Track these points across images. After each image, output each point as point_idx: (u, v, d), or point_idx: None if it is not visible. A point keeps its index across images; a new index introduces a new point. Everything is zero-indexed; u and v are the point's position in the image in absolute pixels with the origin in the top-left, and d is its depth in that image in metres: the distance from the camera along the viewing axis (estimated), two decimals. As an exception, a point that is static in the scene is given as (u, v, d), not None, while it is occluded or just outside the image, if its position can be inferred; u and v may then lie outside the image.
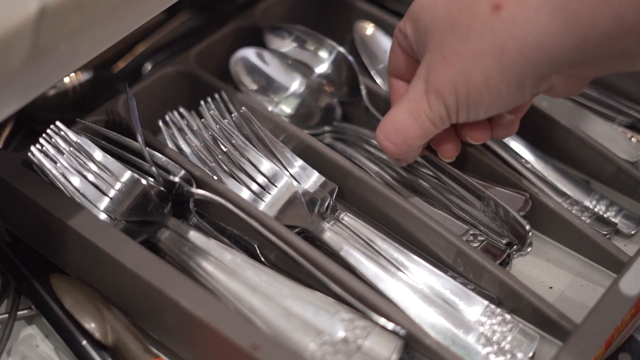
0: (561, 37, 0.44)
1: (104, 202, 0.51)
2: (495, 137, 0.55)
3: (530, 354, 0.49)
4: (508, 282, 0.51)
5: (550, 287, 0.55)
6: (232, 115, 0.56)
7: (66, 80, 0.63)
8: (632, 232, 0.58)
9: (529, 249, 0.56)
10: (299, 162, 0.56)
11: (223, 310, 0.46)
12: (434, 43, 0.49)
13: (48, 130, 0.52)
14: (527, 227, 0.51)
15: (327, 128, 0.62)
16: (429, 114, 0.50)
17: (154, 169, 0.52)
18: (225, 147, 0.54)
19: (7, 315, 0.51)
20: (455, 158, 0.56)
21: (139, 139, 0.53)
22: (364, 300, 0.48)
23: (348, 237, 0.53)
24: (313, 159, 0.57)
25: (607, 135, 0.63)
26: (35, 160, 0.51)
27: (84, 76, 0.64)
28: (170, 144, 0.58)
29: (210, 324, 0.45)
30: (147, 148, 0.53)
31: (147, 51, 0.69)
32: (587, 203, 0.59)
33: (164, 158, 0.53)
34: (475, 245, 0.55)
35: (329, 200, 0.55)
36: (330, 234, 0.52)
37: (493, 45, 0.46)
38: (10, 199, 0.52)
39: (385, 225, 0.57)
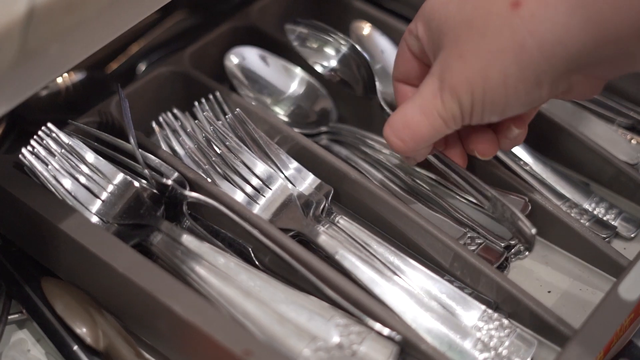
0: (581, 34, 0.44)
1: (96, 205, 0.50)
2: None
3: (528, 360, 0.48)
4: (505, 286, 0.51)
5: (549, 291, 0.54)
6: (227, 116, 0.56)
7: (59, 80, 0.63)
8: (632, 235, 0.57)
9: (527, 253, 0.56)
10: (294, 164, 0.55)
11: (216, 316, 0.45)
12: (448, 41, 0.48)
13: (39, 132, 0.51)
14: (534, 231, 0.50)
15: (323, 129, 0.61)
16: (442, 111, 0.49)
17: (146, 171, 0.52)
18: (219, 149, 0.54)
19: (-3, 320, 0.51)
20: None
21: (132, 140, 0.52)
22: (359, 305, 0.48)
23: (343, 240, 0.52)
24: (308, 161, 0.56)
25: (607, 136, 0.62)
26: (27, 162, 0.51)
27: (76, 77, 0.64)
28: (163, 146, 0.57)
29: (203, 329, 0.45)
30: (139, 150, 0.53)
31: (141, 51, 0.68)
32: (586, 206, 0.58)
33: (157, 160, 0.53)
34: (473, 248, 0.54)
35: (324, 203, 0.54)
36: (325, 238, 0.52)
37: (512, 43, 0.45)
38: (1, 202, 0.51)
39: (381, 229, 0.56)
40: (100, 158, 0.51)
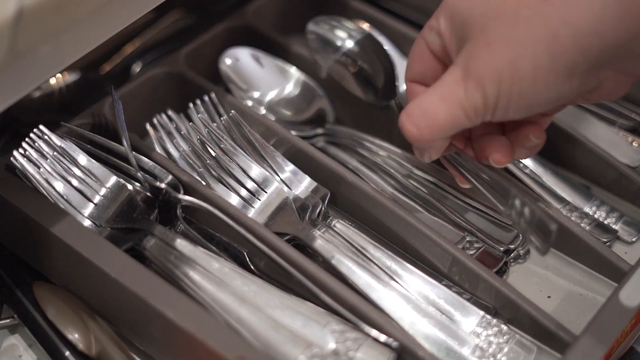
0: (617, 26, 0.43)
1: (89, 208, 0.50)
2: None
3: (527, 367, 0.48)
4: (504, 292, 0.50)
5: (549, 297, 0.54)
6: (222, 118, 0.55)
7: (52, 81, 0.62)
8: (633, 240, 0.57)
9: (526, 257, 0.55)
10: (290, 166, 0.55)
11: (209, 322, 0.45)
12: (474, 33, 0.47)
13: (31, 134, 0.51)
14: (554, 227, 0.48)
15: (319, 131, 0.61)
16: (464, 101, 0.47)
17: (140, 174, 0.51)
18: (214, 151, 0.53)
19: (-12, 325, 0.50)
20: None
21: (125, 142, 0.52)
22: (355, 311, 0.47)
23: (340, 244, 0.52)
24: (305, 164, 0.55)
25: (608, 139, 0.62)
26: (18, 165, 0.50)
27: (70, 78, 0.63)
28: (158, 148, 0.57)
29: (196, 336, 0.44)
30: (133, 152, 0.52)
31: (136, 52, 0.68)
32: (587, 209, 0.58)
33: (150, 163, 0.52)
34: (471, 252, 0.54)
35: (320, 206, 0.53)
36: (321, 242, 0.51)
37: (545, 32, 0.44)
38: (-8, 205, 0.51)
39: (378, 233, 0.55)
40: (93, 161, 0.51)
